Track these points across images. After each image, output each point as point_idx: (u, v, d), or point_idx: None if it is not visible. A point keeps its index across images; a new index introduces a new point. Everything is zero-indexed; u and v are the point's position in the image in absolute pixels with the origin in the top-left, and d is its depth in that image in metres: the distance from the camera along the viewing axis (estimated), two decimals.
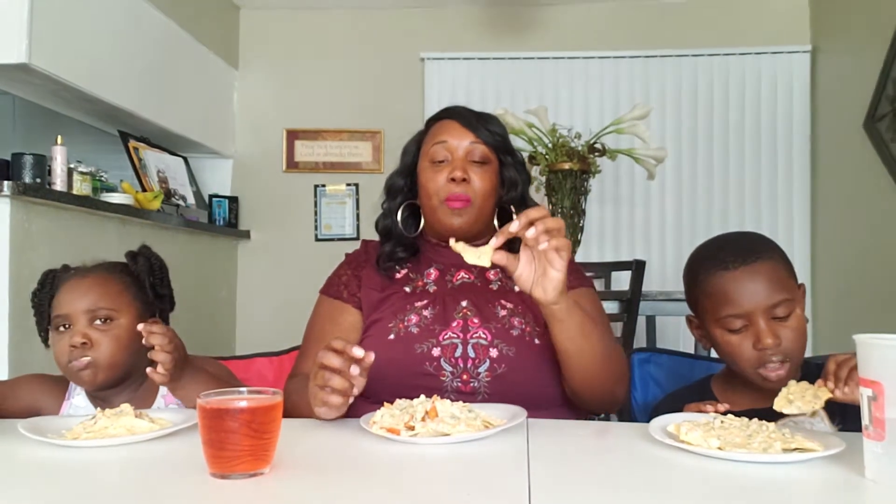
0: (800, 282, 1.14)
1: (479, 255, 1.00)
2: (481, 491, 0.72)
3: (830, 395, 0.95)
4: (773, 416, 1.03)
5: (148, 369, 1.06)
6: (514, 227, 0.96)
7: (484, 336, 1.18)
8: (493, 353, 1.16)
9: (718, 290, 1.09)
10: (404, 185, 1.35)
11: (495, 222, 1.32)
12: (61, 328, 1.16)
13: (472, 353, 1.16)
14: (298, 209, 3.95)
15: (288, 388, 1.18)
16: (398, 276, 1.30)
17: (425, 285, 1.27)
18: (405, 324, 1.19)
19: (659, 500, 0.70)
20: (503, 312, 1.21)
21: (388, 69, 3.93)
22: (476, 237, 1.29)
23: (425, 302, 1.23)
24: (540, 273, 1.01)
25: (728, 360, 1.13)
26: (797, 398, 0.97)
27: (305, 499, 0.71)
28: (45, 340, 1.23)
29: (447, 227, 1.26)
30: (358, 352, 0.94)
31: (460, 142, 1.28)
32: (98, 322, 1.15)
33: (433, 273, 1.30)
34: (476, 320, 1.20)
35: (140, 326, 1.05)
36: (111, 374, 1.16)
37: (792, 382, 1.01)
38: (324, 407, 0.97)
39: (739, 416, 0.95)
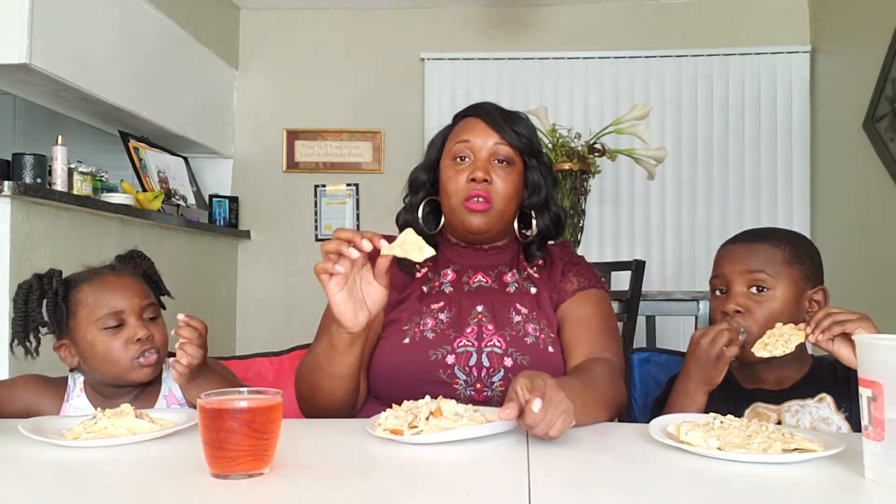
0: (823, 285, 1.18)
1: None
2: (481, 491, 0.72)
3: (801, 340, 1.00)
4: (778, 398, 1.10)
5: (170, 359, 1.07)
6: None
7: (499, 344, 1.17)
8: (508, 362, 1.16)
9: (716, 258, 1.20)
10: (427, 181, 1.32)
11: (515, 226, 1.30)
12: (109, 326, 1.13)
13: (486, 363, 1.16)
14: (298, 209, 3.95)
15: (307, 357, 1.15)
16: (418, 274, 1.28)
17: (441, 286, 1.25)
18: (420, 328, 1.18)
19: (659, 500, 0.70)
20: (517, 318, 1.20)
21: (388, 69, 3.93)
22: (494, 239, 1.29)
23: (441, 304, 1.21)
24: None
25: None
26: (771, 343, 1.02)
27: (305, 499, 0.71)
28: (26, 346, 1.18)
29: (466, 227, 1.24)
30: (366, 245, 0.95)
31: (484, 142, 1.24)
32: (144, 318, 1.16)
33: (450, 274, 1.27)
34: (490, 327, 1.19)
35: (180, 316, 1.05)
36: (160, 368, 1.18)
37: (778, 325, 1.04)
38: (325, 274, 0.97)
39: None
